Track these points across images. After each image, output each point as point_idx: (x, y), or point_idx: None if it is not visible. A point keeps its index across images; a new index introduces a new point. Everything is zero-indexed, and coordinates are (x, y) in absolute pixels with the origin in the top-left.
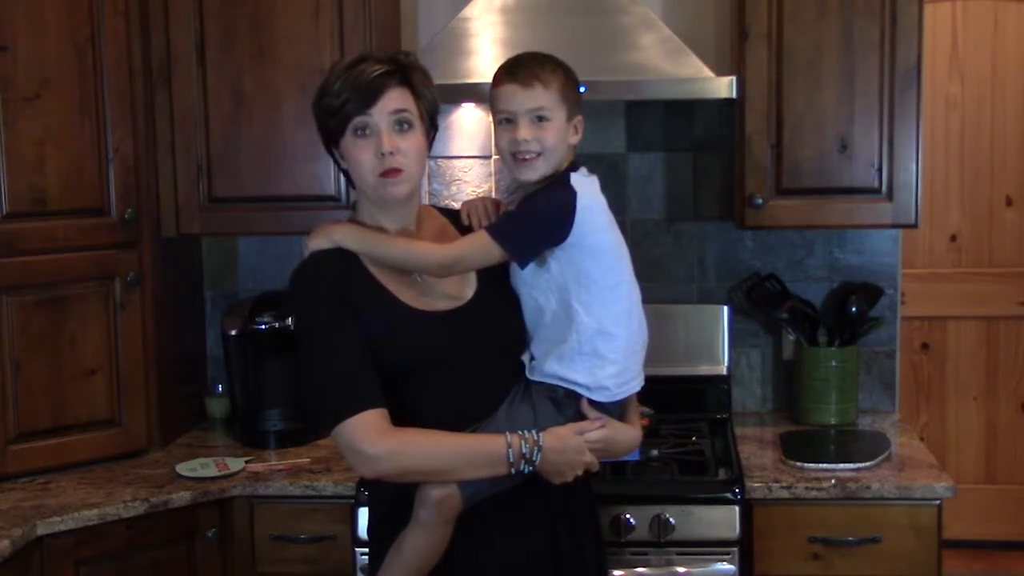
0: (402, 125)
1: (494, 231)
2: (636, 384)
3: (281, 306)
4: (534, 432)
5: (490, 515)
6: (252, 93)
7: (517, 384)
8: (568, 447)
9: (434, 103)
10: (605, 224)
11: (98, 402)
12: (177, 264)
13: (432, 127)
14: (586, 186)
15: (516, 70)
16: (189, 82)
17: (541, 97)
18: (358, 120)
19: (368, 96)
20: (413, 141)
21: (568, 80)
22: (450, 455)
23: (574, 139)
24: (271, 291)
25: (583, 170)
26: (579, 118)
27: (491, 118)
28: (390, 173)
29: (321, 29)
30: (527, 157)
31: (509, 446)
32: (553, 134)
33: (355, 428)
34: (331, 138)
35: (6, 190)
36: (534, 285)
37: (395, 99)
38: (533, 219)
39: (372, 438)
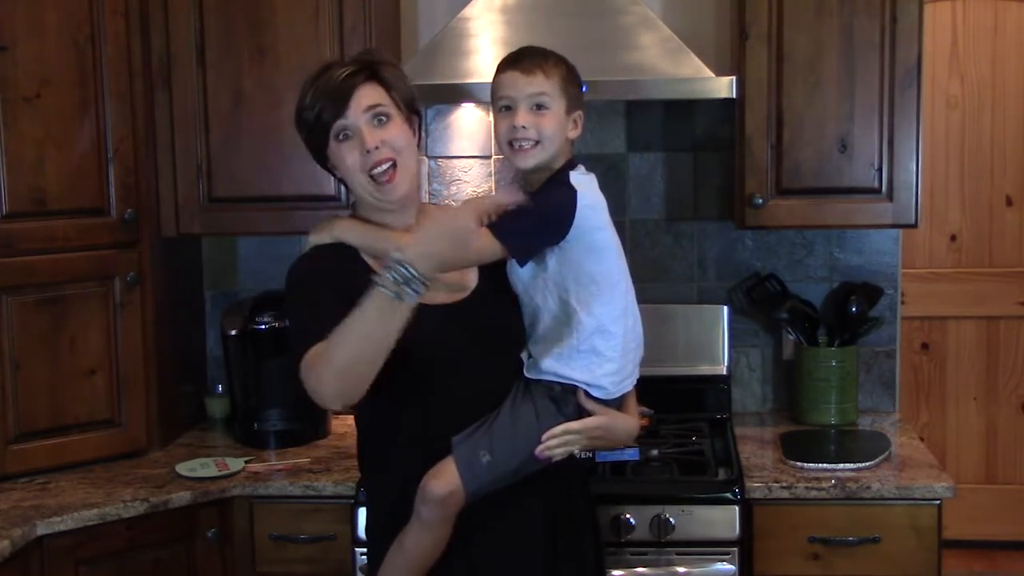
0: (380, 119)
1: (495, 229)
2: (631, 382)
3: (281, 306)
4: (392, 255)
5: (488, 514)
6: (252, 93)
7: (518, 381)
8: (444, 227)
9: (409, 91)
10: (604, 222)
11: (98, 402)
12: (177, 264)
13: (414, 114)
14: (586, 184)
15: (519, 59)
16: (189, 82)
17: (542, 84)
18: (337, 125)
19: (339, 99)
20: (395, 130)
21: (570, 74)
22: (347, 332)
23: (573, 133)
24: (271, 291)
25: (581, 168)
26: (579, 113)
27: (491, 115)
28: (386, 177)
29: (321, 29)
30: (524, 146)
31: (381, 286)
32: (551, 123)
33: (304, 361)
34: (320, 151)
35: (6, 190)
36: (532, 284)
37: (367, 96)
38: (533, 217)
39: (306, 359)
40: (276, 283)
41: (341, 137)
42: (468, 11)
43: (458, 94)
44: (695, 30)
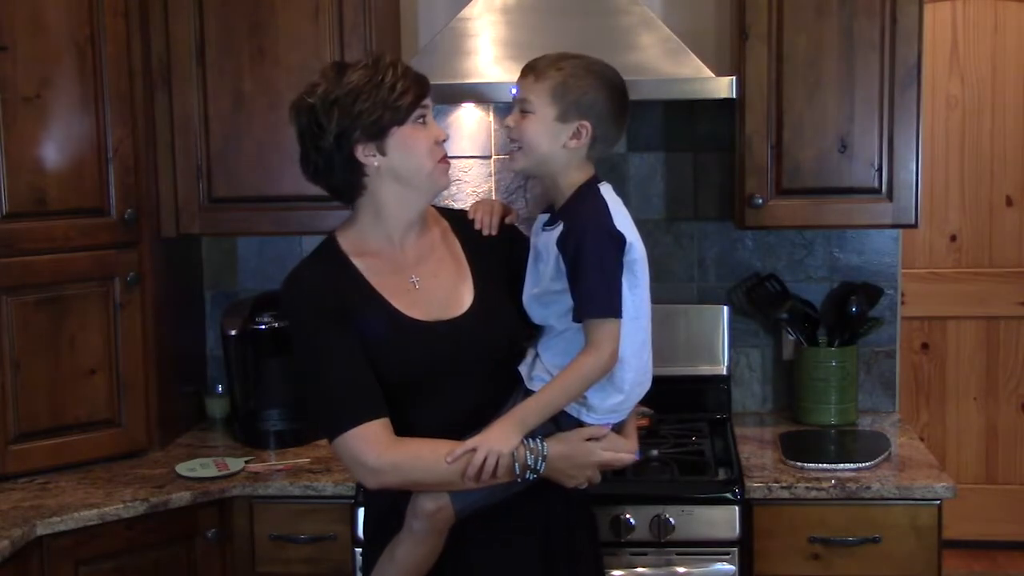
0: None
1: (595, 312)
2: (625, 414)
3: (280, 308)
4: (538, 440)
5: (484, 517)
6: (252, 93)
7: (515, 393)
8: (575, 451)
9: None
10: (640, 255)
11: (98, 402)
12: (177, 264)
13: None
14: (621, 213)
15: (531, 62)
16: (189, 82)
17: (528, 89)
18: (420, 110)
19: (424, 86)
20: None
21: (570, 82)
22: (454, 468)
23: (573, 143)
24: (271, 291)
25: (607, 186)
26: (583, 123)
27: (491, 115)
28: (445, 160)
29: (321, 29)
30: (511, 148)
31: (515, 458)
32: (532, 129)
33: (357, 440)
34: (375, 134)
35: (6, 190)
36: (551, 311)
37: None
38: (603, 274)
39: (375, 450)
40: (276, 283)
41: (419, 121)
42: (468, 11)
43: (458, 94)
44: (695, 30)
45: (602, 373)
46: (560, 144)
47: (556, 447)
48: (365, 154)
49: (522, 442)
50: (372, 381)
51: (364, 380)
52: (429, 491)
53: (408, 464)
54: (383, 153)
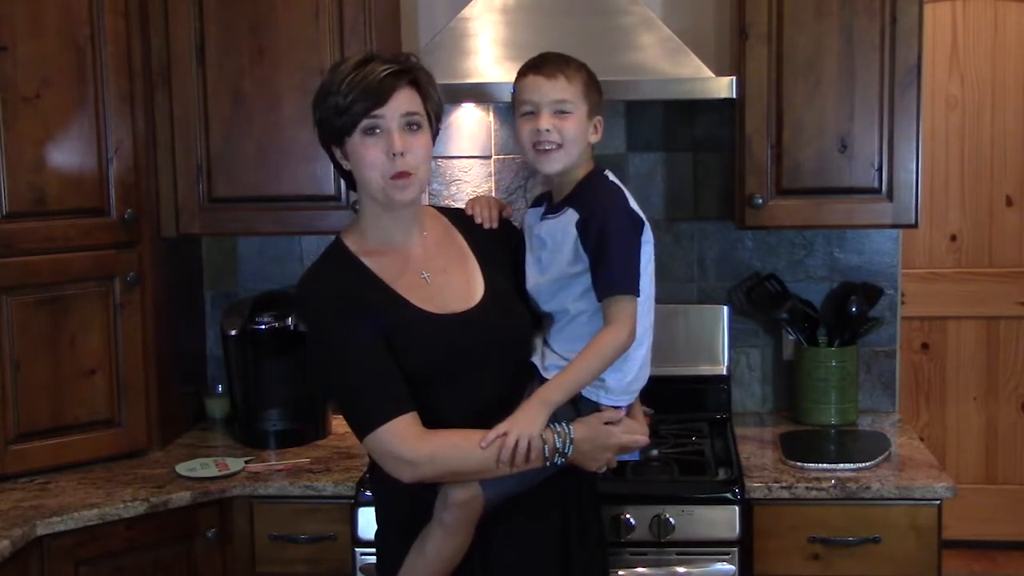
0: (411, 127)
1: (617, 290)
2: (633, 396)
3: (281, 306)
4: (564, 424)
5: (507, 511)
6: (252, 93)
7: (532, 382)
8: (598, 434)
9: (440, 105)
10: (649, 236)
11: (98, 402)
12: (177, 264)
13: (437, 129)
14: (630, 196)
15: (542, 64)
16: (189, 82)
17: (565, 90)
18: (368, 121)
19: (380, 96)
20: (422, 142)
21: (590, 79)
22: (488, 454)
23: (594, 138)
24: (271, 291)
25: (610, 174)
26: (599, 118)
27: (491, 115)
28: (400, 176)
29: (321, 29)
30: (547, 148)
31: (544, 441)
32: (574, 126)
33: (389, 435)
34: (335, 138)
35: (6, 190)
36: (566, 293)
37: (405, 100)
38: (625, 255)
39: (409, 443)
40: (276, 283)
41: (369, 132)
42: (468, 11)
43: (458, 94)
44: (695, 30)
45: (621, 350)
46: (586, 140)
47: (580, 430)
48: (338, 156)
49: (550, 426)
50: (397, 376)
51: (389, 375)
52: (460, 481)
53: (444, 454)
54: (347, 159)
